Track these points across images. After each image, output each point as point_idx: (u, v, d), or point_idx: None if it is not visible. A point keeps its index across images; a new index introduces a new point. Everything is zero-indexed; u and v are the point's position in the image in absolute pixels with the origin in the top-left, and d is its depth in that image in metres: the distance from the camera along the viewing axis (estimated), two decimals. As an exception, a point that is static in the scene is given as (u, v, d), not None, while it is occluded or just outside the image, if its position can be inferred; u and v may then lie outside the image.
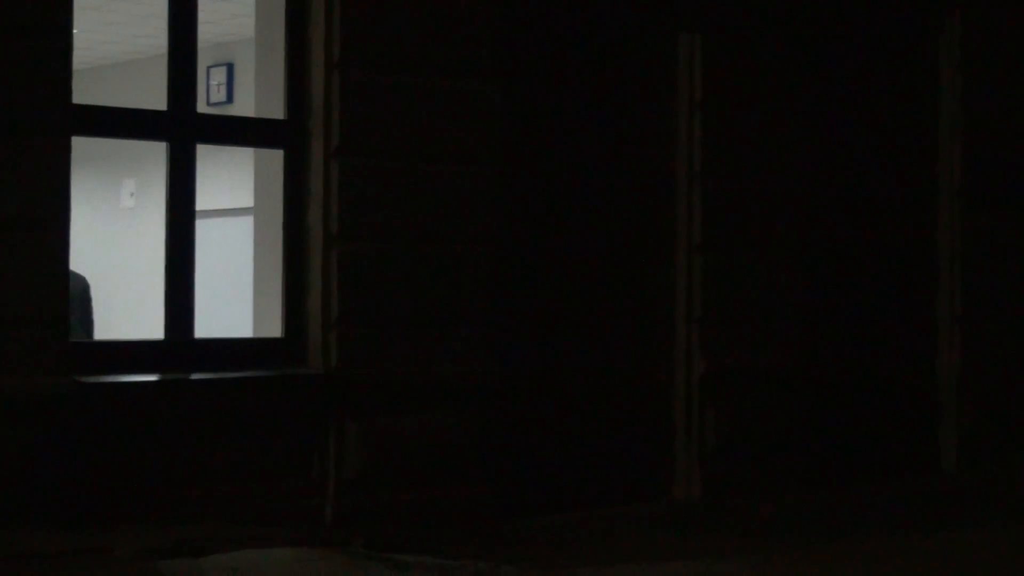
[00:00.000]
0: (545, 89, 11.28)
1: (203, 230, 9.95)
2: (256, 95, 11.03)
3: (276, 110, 10.02)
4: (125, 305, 18.19)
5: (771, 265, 12.27)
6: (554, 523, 10.62)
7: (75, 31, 8.97)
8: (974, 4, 13.68)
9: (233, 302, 12.32)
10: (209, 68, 17.89)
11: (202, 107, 11.99)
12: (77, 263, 9.71)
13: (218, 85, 18.52)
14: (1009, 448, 13.81)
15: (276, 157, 10.04)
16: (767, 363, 12.20)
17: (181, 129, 9.52)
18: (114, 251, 20.33)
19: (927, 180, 13.70)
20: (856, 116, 13.21)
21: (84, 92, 9.45)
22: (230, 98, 18.27)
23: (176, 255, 9.50)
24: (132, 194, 20.75)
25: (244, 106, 14.75)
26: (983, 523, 11.18)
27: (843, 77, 13.06)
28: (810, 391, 12.52)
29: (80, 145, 8.93)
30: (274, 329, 10.03)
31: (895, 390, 13.41)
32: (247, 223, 11.62)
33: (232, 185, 16.19)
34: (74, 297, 11.00)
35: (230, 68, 18.25)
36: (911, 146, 13.63)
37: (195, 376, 9.43)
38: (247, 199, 11.62)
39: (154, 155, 10.55)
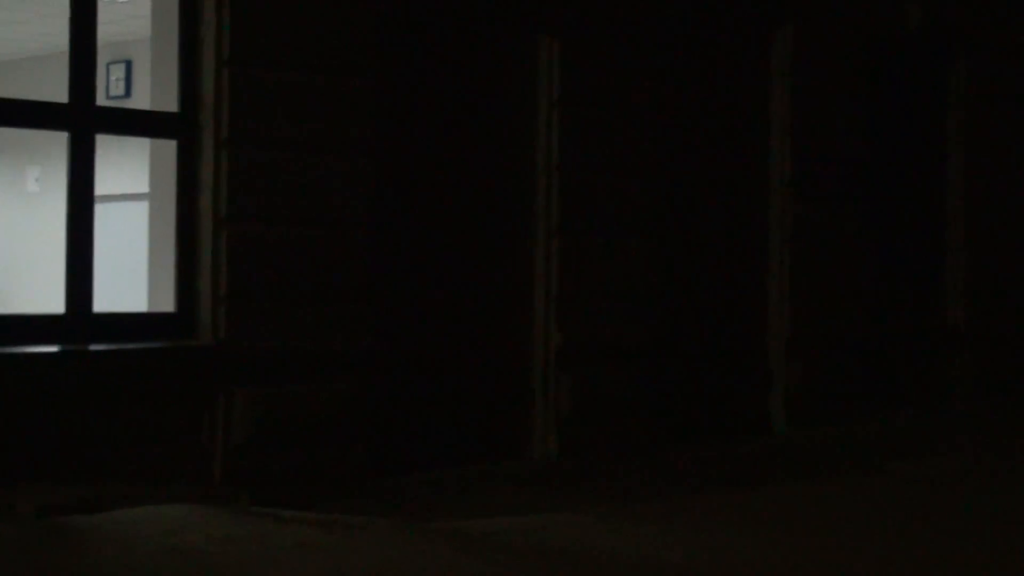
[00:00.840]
0: (418, 86, 11.32)
1: (102, 213, 9.88)
2: (152, 90, 10.95)
3: (170, 104, 9.97)
4: (30, 283, 18.03)
5: (622, 247, 12.42)
6: (425, 480, 10.71)
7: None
8: (803, 16, 13.89)
9: (129, 280, 12.17)
10: (109, 64, 17.74)
11: (102, 100, 11.92)
12: (-16, 244, 9.60)
13: (117, 80, 18.37)
14: (833, 411, 14.11)
15: (170, 147, 9.99)
16: (617, 336, 12.35)
17: (82, 120, 9.46)
18: (19, 233, 20.11)
19: (760, 172, 13.95)
20: (698, 114, 13.41)
21: (-7, 85, 9.34)
22: (128, 92, 18.12)
23: (76, 236, 9.44)
24: (37, 180, 20.51)
25: (141, 100, 14.60)
26: (809, 478, 11.44)
27: (687, 80, 13.25)
28: (655, 361, 12.72)
29: (-12, 134, 8.82)
30: (167, 304, 9.99)
31: (731, 360, 13.66)
32: (143, 207, 11.51)
33: (129, 172, 16.01)
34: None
35: (128, 65, 18.10)
36: (746, 142, 13.87)
37: (93, 347, 9.40)
38: (143, 185, 11.49)
39: (58, 144, 10.40)
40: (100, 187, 9.68)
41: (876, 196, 15.10)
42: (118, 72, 18.36)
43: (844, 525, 9.53)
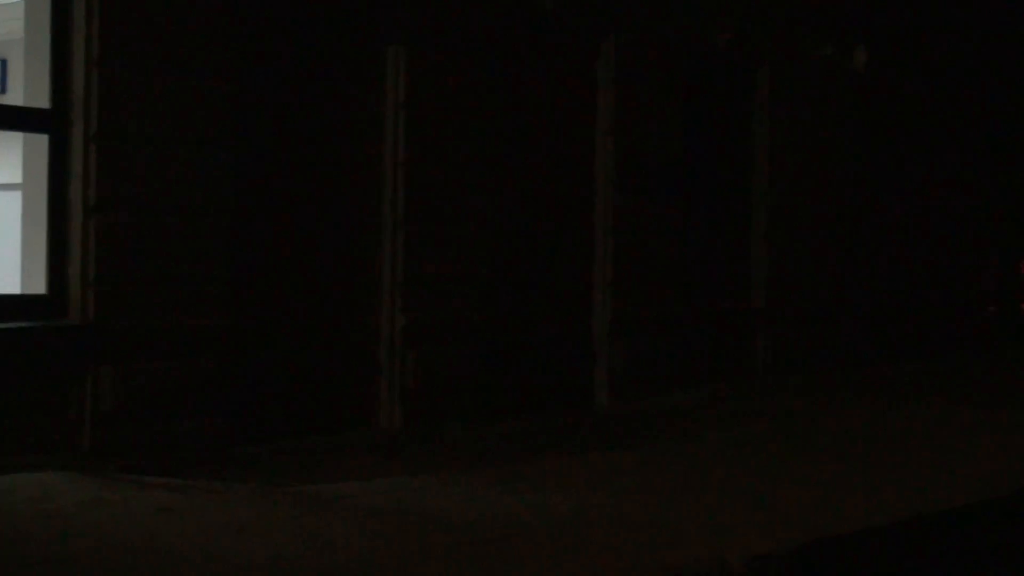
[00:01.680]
0: (276, 89, 11.31)
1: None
2: (25, 87, 10.74)
3: (43, 100, 9.83)
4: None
5: (462, 237, 12.55)
6: (281, 448, 10.70)
7: None
8: (627, 29, 14.12)
9: (3, 265, 11.92)
10: (-16, 63, 17.29)
11: (-22, 97, 11.68)
12: None
13: (-8, 78, 17.91)
14: (652, 386, 14.40)
15: (42, 141, 9.86)
16: (457, 317, 12.48)
17: (-42, 115, 9.27)
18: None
19: (587, 169, 14.15)
20: (532, 116, 13.55)
21: None
22: (4, 89, 17.65)
23: (-45, 223, 9.26)
24: (-81, 170, 19.90)
25: (16, 97, 14.28)
26: (629, 445, 11.64)
27: (523, 84, 13.39)
28: (491, 340, 12.86)
29: None
30: (39, 287, 9.84)
31: (558, 338, 13.85)
32: (16, 197, 11.28)
33: (3, 164, 15.65)
34: None
35: (4, 63, 17.65)
36: (575, 141, 14.06)
37: (-32, 326, 9.25)
38: (17, 176, 11.27)
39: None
40: (-25, 178, 9.53)
41: (691, 192, 15.41)
42: (-7, 70, 17.92)
43: (659, 484, 9.79)
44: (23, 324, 9.48)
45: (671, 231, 14.94)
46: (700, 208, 15.70)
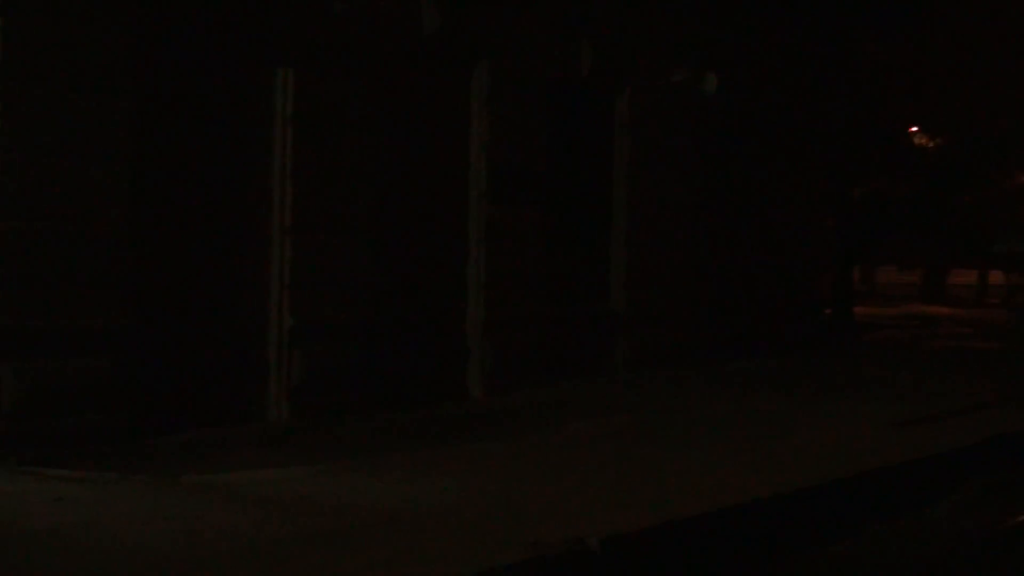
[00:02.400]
0: (173, 106, 11.30)
1: None
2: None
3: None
4: None
5: (346, 245, 12.56)
6: (177, 442, 10.67)
7: None
8: (498, 55, 14.26)
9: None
10: None
11: None
12: None
13: None
14: (522, 380, 14.50)
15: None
16: (341, 318, 12.48)
17: None
18: None
19: (461, 184, 14.28)
20: (410, 133, 13.63)
21: None
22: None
23: None
24: None
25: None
26: (499, 436, 11.75)
27: (402, 104, 13.42)
28: (371, 339, 12.86)
29: None
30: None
31: (436, 338, 13.94)
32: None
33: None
34: None
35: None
36: (450, 157, 14.16)
37: None
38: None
39: None
40: None
41: (557, 203, 15.55)
42: None
43: (526, 471, 9.93)
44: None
45: (539, 239, 15.10)
46: (566, 218, 15.85)
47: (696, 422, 12.79)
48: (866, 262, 43.32)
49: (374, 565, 6.87)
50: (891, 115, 25.49)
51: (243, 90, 11.85)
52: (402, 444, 11.13)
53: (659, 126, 17.03)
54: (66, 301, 10.04)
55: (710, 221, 18.60)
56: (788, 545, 8.93)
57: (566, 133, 15.73)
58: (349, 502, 8.54)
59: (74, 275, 10.09)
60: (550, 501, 8.65)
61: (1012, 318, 31.56)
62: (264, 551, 7.16)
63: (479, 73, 14.24)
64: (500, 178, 14.38)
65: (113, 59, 10.37)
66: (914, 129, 26.81)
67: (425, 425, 12.27)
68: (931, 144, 26.90)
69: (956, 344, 26.09)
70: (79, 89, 10.12)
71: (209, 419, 11.33)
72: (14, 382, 9.66)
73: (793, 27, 20.78)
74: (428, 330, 13.83)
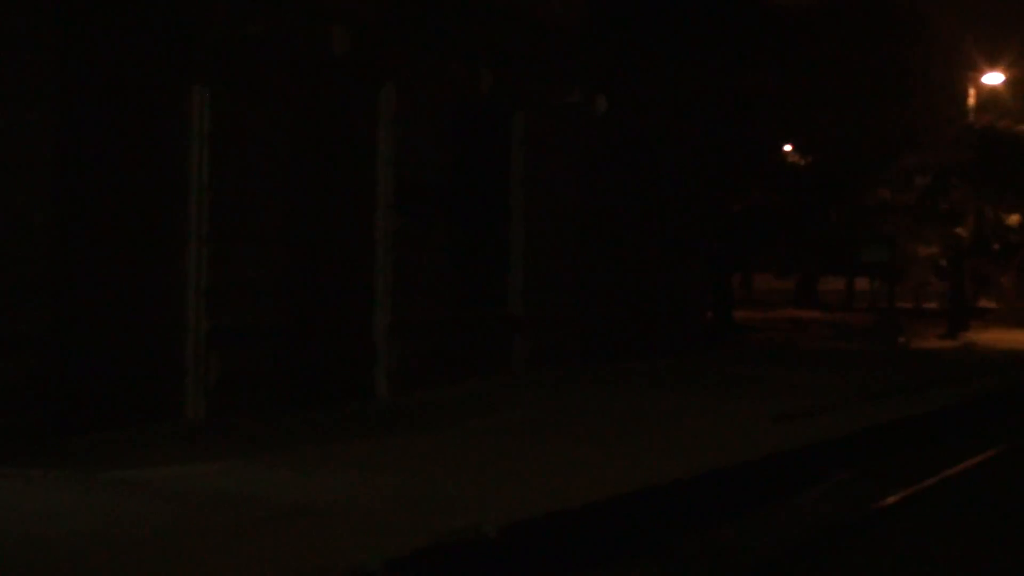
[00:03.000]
0: (94, 120, 11.13)
1: None
2: None
3: None
4: None
5: (260, 253, 12.47)
6: (98, 439, 10.51)
7: None
8: (404, 76, 14.25)
9: None
10: None
11: None
12: None
13: None
14: (427, 379, 14.54)
15: None
16: (256, 322, 12.40)
17: None
18: None
19: (369, 196, 14.24)
20: (319, 150, 13.55)
21: None
22: None
23: None
24: None
25: None
26: (404, 432, 11.77)
27: (311, 123, 13.35)
28: (286, 341, 12.80)
29: None
30: None
31: (344, 340, 13.87)
32: None
33: None
34: None
35: None
36: (359, 171, 14.12)
37: None
38: None
39: None
40: None
41: (459, 215, 15.59)
42: None
43: (429, 465, 9.96)
44: None
45: (442, 248, 15.13)
46: (467, 228, 15.91)
47: (588, 417, 12.93)
48: (745, 270, 44.06)
49: (284, 554, 6.85)
50: (766, 136, 25.99)
51: (163, 106, 11.73)
52: (312, 440, 11.07)
53: (553, 143, 17.16)
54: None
55: (601, 231, 18.79)
56: (673, 531, 9.08)
57: (467, 149, 15.79)
58: (261, 495, 8.49)
59: (-1, 282, 9.92)
60: (451, 492, 8.69)
61: (877, 323, 32.31)
62: (177, 542, 7.11)
63: (386, 93, 14.24)
64: (405, 191, 14.39)
65: (36, 74, 10.21)
66: (788, 149, 27.36)
67: (334, 422, 12.22)
68: (803, 163, 27.48)
69: (826, 345, 26.67)
70: (1, 101, 9.94)
71: (129, 418, 11.19)
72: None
73: (678, 55, 21.12)
74: (337, 333, 13.79)
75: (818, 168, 27.24)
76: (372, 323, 14.22)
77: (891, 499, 10.63)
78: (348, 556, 6.81)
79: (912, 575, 8.43)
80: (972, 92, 33.49)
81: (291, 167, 12.94)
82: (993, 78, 34.25)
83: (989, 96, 35.37)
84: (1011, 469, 12.89)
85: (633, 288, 19.92)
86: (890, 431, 13.68)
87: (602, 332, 18.70)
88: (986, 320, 40.39)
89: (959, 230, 35.72)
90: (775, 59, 25.26)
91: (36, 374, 10.15)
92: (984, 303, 49.95)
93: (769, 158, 26.69)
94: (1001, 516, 10.48)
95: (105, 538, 7.15)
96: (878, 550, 9.12)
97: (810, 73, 25.88)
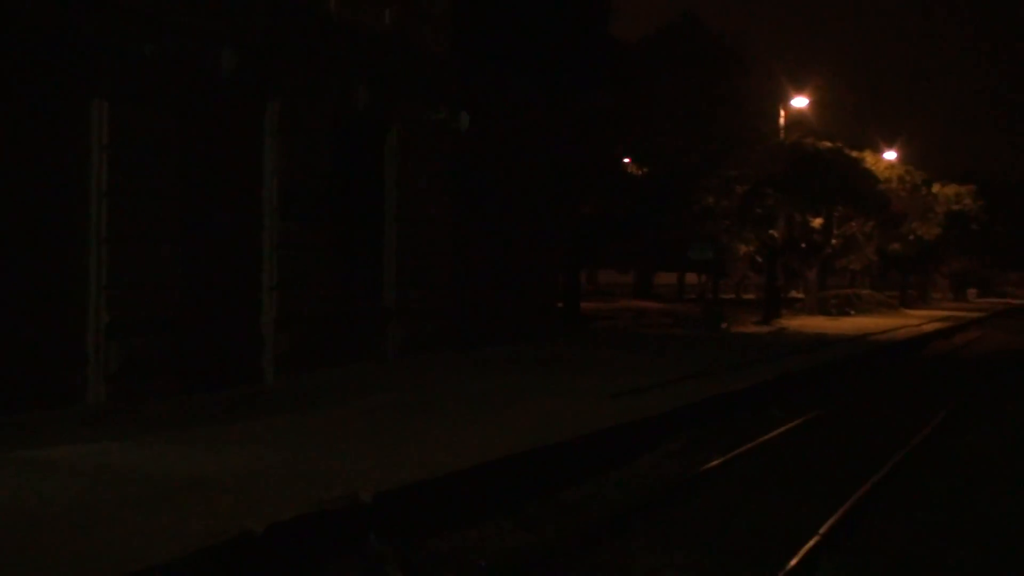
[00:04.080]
0: (3, 130, 10.71)
1: None
2: None
3: None
4: None
5: (157, 253, 12.24)
6: (7, 422, 10.21)
7: None
8: (287, 93, 14.11)
9: None
10: None
11: None
12: None
13: None
14: (310, 365, 14.43)
15: None
16: (153, 314, 12.17)
17: None
18: None
19: (257, 202, 14.03)
20: (212, 158, 13.28)
21: None
22: None
23: None
24: None
25: None
26: (291, 412, 11.63)
27: (206, 135, 13.10)
28: (183, 332, 12.56)
29: None
30: None
31: (232, 331, 13.67)
32: None
33: None
34: None
35: None
36: (248, 179, 13.90)
37: None
38: None
39: None
40: None
41: (340, 218, 15.50)
42: None
43: (314, 440, 9.87)
44: None
45: (324, 248, 15.01)
46: (346, 230, 15.81)
47: (453, 397, 12.99)
48: (590, 266, 44.66)
49: (180, 522, 6.75)
50: (608, 150, 26.38)
51: (66, 118, 11.37)
52: (205, 421, 10.88)
53: (423, 155, 17.19)
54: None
55: (466, 233, 18.89)
56: (526, 494, 9.20)
57: (346, 159, 15.69)
58: (158, 470, 8.34)
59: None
60: (331, 464, 8.65)
61: (702, 311, 33.11)
62: (82, 514, 6.94)
63: (271, 108, 14.07)
64: (289, 197, 14.24)
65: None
66: (627, 161, 27.80)
67: (226, 404, 12.03)
68: (640, 173, 27.95)
69: (660, 331, 27.26)
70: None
71: (36, 403, 10.87)
72: None
73: (533, 78, 21.34)
74: (229, 324, 13.57)
75: (653, 178, 27.76)
76: (260, 315, 14.03)
77: (715, 461, 10.95)
78: (237, 522, 6.75)
79: (728, 522, 8.70)
80: (783, 113, 34.57)
81: (184, 174, 12.67)
82: (800, 102, 35.43)
83: (797, 117, 36.58)
84: (816, 432, 13.39)
85: (494, 283, 20.08)
86: (715, 404, 14.08)
87: (467, 321, 18.80)
88: (795, 309, 41.80)
89: (772, 232, 36.88)
90: (617, 84, 25.68)
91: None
92: (794, 294, 51.60)
93: (611, 169, 27.09)
94: (804, 468, 10.90)
95: (12, 511, 6.96)
96: (702, 503, 9.40)
97: (647, 96, 26.38)
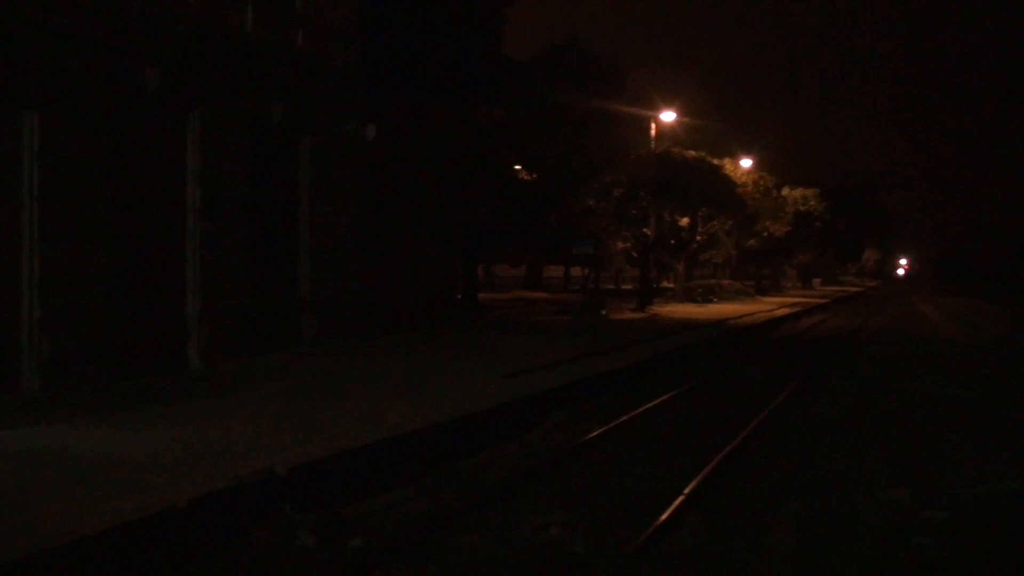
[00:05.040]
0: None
1: None
2: None
3: None
4: None
5: (87, 252, 11.90)
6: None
7: None
8: (208, 104, 13.80)
9: None
10: None
11: None
12: None
13: None
14: (233, 352, 14.19)
15: None
16: (83, 309, 11.82)
17: None
18: None
19: (181, 205, 13.72)
20: (142, 162, 12.98)
21: None
22: None
23: None
24: None
25: None
26: (214, 395, 11.43)
27: (136, 141, 12.79)
28: (110, 325, 12.23)
29: None
30: None
31: (159, 322, 13.36)
32: None
33: None
34: None
35: None
36: (173, 184, 13.60)
37: None
38: None
39: None
40: None
41: (259, 219, 15.28)
42: None
43: (234, 420, 9.71)
44: None
45: (244, 246, 14.75)
46: (264, 230, 15.58)
47: (361, 380, 12.91)
48: (487, 260, 44.75)
49: (108, 497, 6.59)
50: (501, 157, 26.45)
51: (-1, 128, 11.00)
52: (133, 405, 10.62)
53: (334, 162, 17.03)
54: None
55: (376, 231, 18.79)
56: (427, 465, 9.20)
57: (264, 166, 15.46)
58: (89, 451, 8.11)
59: None
60: (250, 443, 8.53)
61: (584, 300, 33.47)
62: (17, 494, 6.73)
63: (193, 119, 13.77)
64: (211, 200, 13.96)
65: None
66: (518, 167, 27.91)
67: (152, 390, 11.77)
68: (529, 178, 28.08)
69: (548, 318, 27.46)
70: None
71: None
72: None
73: (433, 93, 21.30)
74: (156, 317, 13.26)
75: (540, 182, 27.94)
76: (184, 308, 13.73)
77: (596, 431, 11.10)
78: (162, 496, 6.61)
79: (607, 484, 8.85)
80: (654, 126, 35.12)
81: (112, 179, 12.34)
82: (668, 116, 36.04)
83: (666, 129, 37.20)
84: (684, 404, 13.66)
85: (400, 276, 20.01)
86: (598, 381, 14.26)
87: (374, 312, 18.70)
88: (666, 297, 42.53)
89: (645, 230, 37.44)
90: (509, 99, 25.77)
91: None
92: (665, 284, 52.52)
93: (503, 174, 27.18)
94: (673, 435, 11.12)
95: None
96: (585, 468, 9.53)
97: (535, 110, 26.51)
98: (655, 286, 41.32)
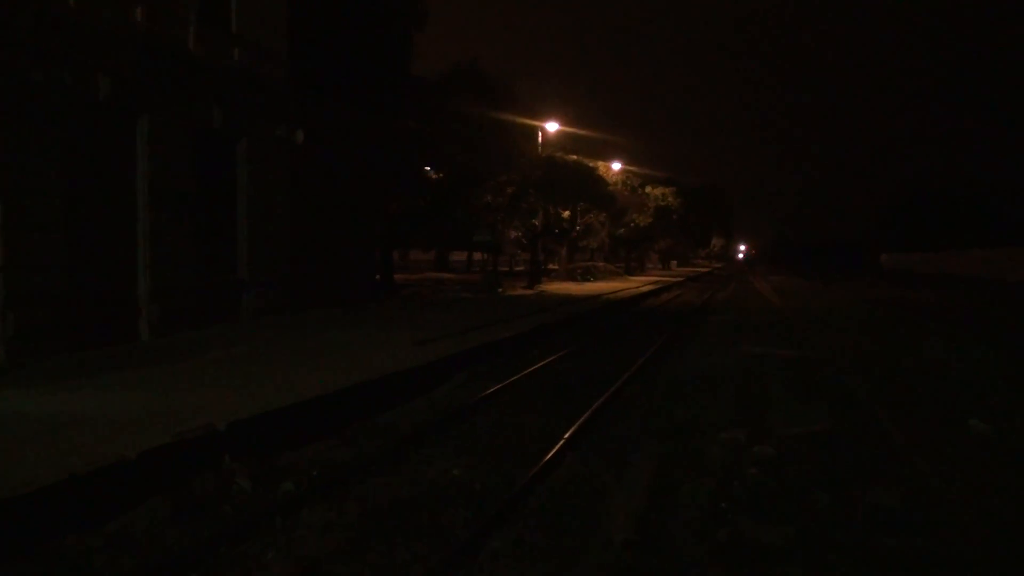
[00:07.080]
0: None
1: None
2: None
3: None
4: None
5: (48, 240, 11.34)
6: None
7: None
8: (155, 109, 13.24)
9: None
10: None
11: None
12: None
13: None
14: (178, 327, 13.75)
15: None
16: (46, 288, 11.23)
17: None
18: None
19: (132, 199, 13.15)
20: (100, 163, 12.36)
21: None
22: None
23: None
24: None
25: None
26: (161, 364, 11.04)
27: (87, 145, 12.17)
28: (73, 305, 11.64)
29: None
30: None
31: (113, 301, 12.82)
32: None
33: None
34: None
35: None
36: (125, 181, 13.01)
37: None
38: None
39: None
40: None
41: (203, 211, 14.78)
42: None
43: (179, 384, 9.40)
44: None
45: (189, 234, 14.24)
46: (207, 220, 15.07)
47: (291, 347, 12.67)
48: (402, 246, 44.32)
49: (64, 453, 6.31)
50: (413, 160, 26.19)
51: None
52: (88, 373, 10.19)
53: (268, 162, 16.60)
54: None
55: (305, 221, 18.41)
56: (347, 420, 9.09)
57: (206, 165, 14.93)
58: (52, 412, 7.76)
59: None
60: (194, 403, 8.29)
61: (483, 279, 33.54)
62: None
63: (142, 122, 13.20)
64: (159, 194, 13.43)
65: None
66: (427, 168, 27.70)
67: (106, 360, 11.29)
68: (436, 177, 27.92)
69: (453, 295, 27.39)
70: None
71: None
72: None
73: (354, 104, 20.95)
74: (111, 296, 12.72)
75: (446, 181, 27.82)
76: (136, 288, 13.20)
77: (492, 388, 11.14)
78: (115, 449, 6.37)
79: (501, 433, 8.89)
80: (540, 134, 35.27)
81: (70, 175, 11.75)
82: (552, 126, 36.24)
83: (551, 137, 37.40)
84: (565, 365, 13.83)
85: (325, 260, 19.69)
86: (494, 347, 14.30)
87: (304, 290, 18.35)
88: (552, 277, 42.90)
89: (534, 221, 37.63)
90: (419, 110, 25.51)
91: None
92: (551, 266, 53.00)
93: (415, 174, 26.93)
94: (556, 391, 11.20)
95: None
96: (482, 420, 9.55)
97: (441, 120, 26.33)
98: (543, 268, 41.62)
